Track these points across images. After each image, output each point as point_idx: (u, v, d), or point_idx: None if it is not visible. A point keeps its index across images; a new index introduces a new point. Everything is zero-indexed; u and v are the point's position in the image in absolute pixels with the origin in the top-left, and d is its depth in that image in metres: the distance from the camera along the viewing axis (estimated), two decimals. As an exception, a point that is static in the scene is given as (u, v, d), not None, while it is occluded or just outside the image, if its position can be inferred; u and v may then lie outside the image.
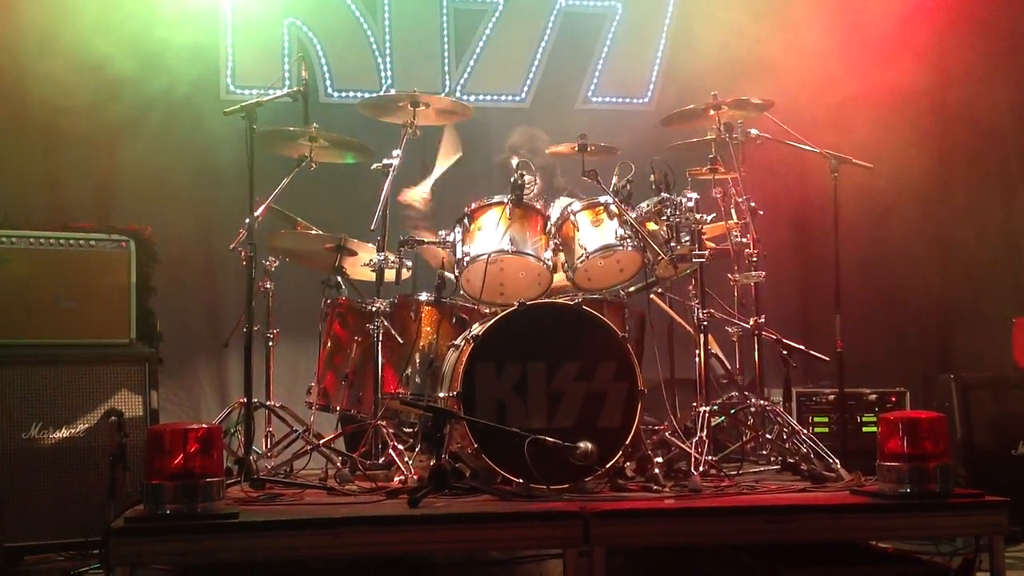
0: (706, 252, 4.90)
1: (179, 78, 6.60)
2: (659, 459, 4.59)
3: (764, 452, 5.14)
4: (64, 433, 4.99)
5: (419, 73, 7.04)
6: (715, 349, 5.28)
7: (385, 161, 5.09)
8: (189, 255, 6.63)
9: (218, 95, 6.86)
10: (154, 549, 3.62)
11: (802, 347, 5.34)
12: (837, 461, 4.71)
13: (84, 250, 5.27)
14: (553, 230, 5.06)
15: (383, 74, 7.15)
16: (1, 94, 6.19)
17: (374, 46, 7.15)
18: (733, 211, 5.21)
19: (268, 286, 5.35)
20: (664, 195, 5.02)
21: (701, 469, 4.48)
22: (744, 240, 5.15)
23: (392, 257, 5.04)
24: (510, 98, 7.34)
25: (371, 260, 5.04)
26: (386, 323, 4.98)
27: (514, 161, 5.56)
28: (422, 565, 4.54)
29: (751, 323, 5.19)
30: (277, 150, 5.42)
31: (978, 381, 5.80)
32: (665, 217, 4.99)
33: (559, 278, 5.09)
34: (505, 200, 5.03)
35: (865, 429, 6.02)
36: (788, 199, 6.39)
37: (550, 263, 5.02)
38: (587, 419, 4.42)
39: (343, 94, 7.09)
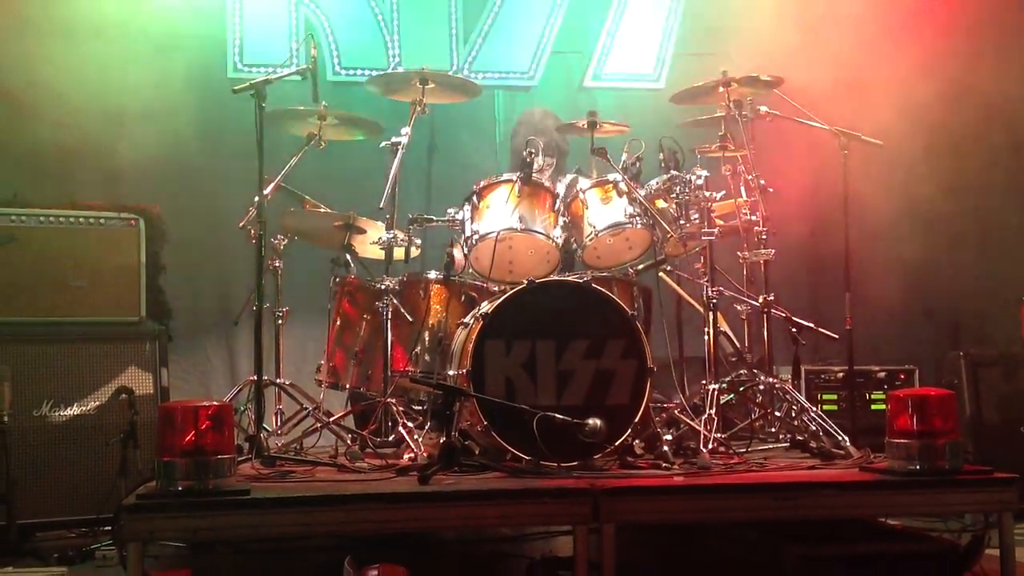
0: (715, 230, 4.90)
1: (187, 55, 6.59)
2: (668, 437, 4.60)
3: (773, 430, 5.14)
4: (75, 411, 5.03)
5: (427, 51, 7.00)
6: (724, 327, 5.28)
7: (394, 139, 5.08)
8: (198, 233, 6.62)
9: (226, 73, 6.85)
10: (166, 525, 3.64)
11: (811, 325, 5.33)
12: (846, 438, 4.72)
13: (94, 228, 5.30)
14: (562, 208, 5.06)
15: (391, 52, 7.12)
16: (11, 74, 6.18)
17: (382, 24, 7.12)
18: (742, 189, 5.20)
19: (277, 264, 5.35)
20: (673, 173, 5.02)
21: (710, 446, 4.49)
22: (753, 218, 5.15)
23: (401, 235, 5.05)
24: (519, 76, 7.30)
25: (380, 238, 5.04)
26: (395, 301, 4.98)
27: (540, 142, 5.54)
28: (432, 542, 4.57)
29: (760, 301, 5.19)
30: (286, 128, 5.42)
31: (987, 358, 5.79)
32: (674, 195, 4.99)
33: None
34: (514, 178, 5.03)
35: (874, 406, 6.02)
36: (798, 177, 6.37)
37: (559, 241, 5.02)
38: (596, 397, 4.42)
39: (351, 72, 7.07)
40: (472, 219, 5.05)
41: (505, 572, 4.53)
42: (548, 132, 5.75)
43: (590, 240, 4.99)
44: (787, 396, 5.07)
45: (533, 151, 5.06)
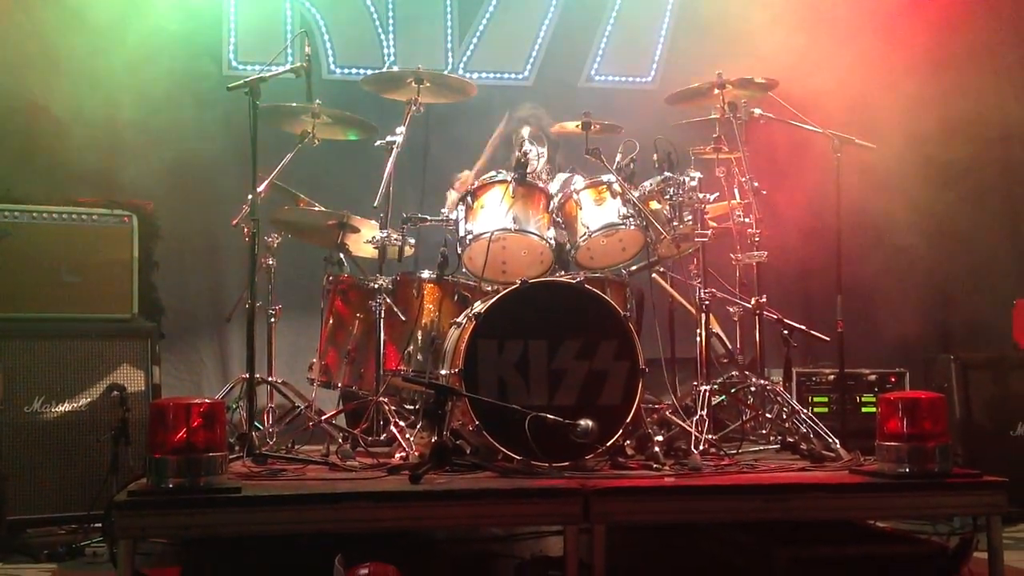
0: (708, 231, 4.91)
1: (182, 53, 6.58)
2: (659, 437, 4.60)
3: (764, 431, 5.15)
4: (66, 407, 5.02)
5: (422, 50, 7.02)
6: (716, 328, 5.29)
7: (388, 138, 5.08)
8: (191, 230, 6.63)
9: (221, 70, 6.85)
10: (157, 522, 3.65)
11: (803, 327, 5.34)
12: (836, 441, 4.74)
13: (87, 225, 5.29)
14: (556, 208, 5.06)
15: (386, 51, 7.13)
16: (5, 71, 6.17)
17: (377, 22, 7.14)
18: (736, 191, 5.20)
19: (270, 262, 5.34)
20: (667, 174, 5.03)
21: (701, 448, 4.50)
22: (747, 220, 5.15)
23: (395, 234, 5.05)
24: (513, 76, 7.32)
25: (374, 237, 5.04)
26: (388, 300, 4.98)
27: (525, 131, 5.55)
28: (423, 541, 4.57)
29: (752, 303, 5.19)
30: (280, 126, 5.41)
31: (977, 362, 5.81)
32: (668, 196, 5.00)
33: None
34: (508, 178, 5.03)
35: (864, 409, 6.03)
36: (791, 179, 6.38)
37: (552, 241, 5.03)
38: (588, 397, 4.43)
39: (346, 70, 7.08)
40: (466, 219, 5.06)
41: (495, 572, 4.54)
42: (535, 120, 5.75)
43: (583, 241, 5.00)
44: (778, 398, 5.08)
45: (528, 151, 5.07)
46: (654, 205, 5.03)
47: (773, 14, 6.80)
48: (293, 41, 6.76)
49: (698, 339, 4.89)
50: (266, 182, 5.02)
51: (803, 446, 4.78)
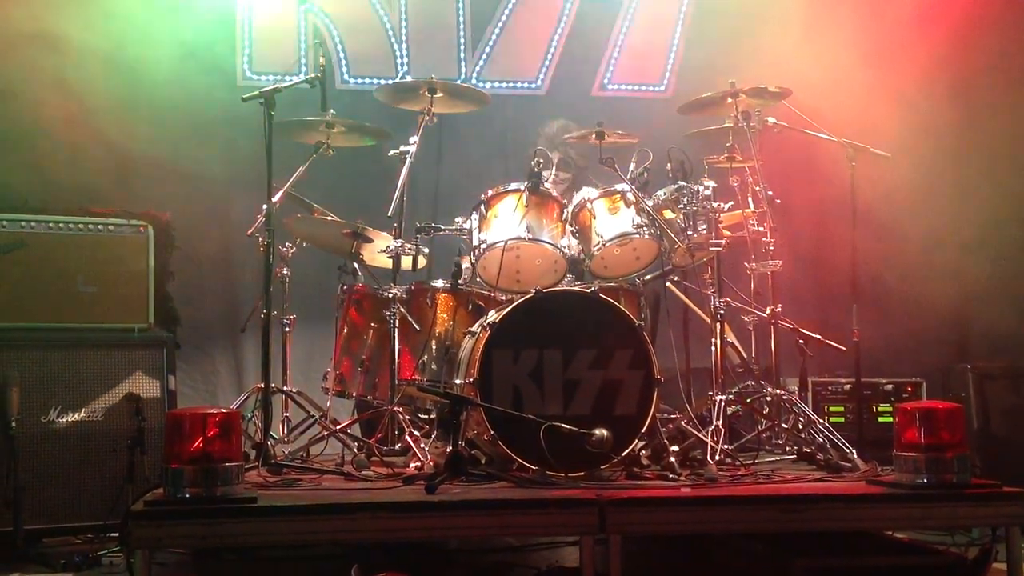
0: (723, 240, 4.91)
1: (197, 64, 6.60)
2: (675, 448, 4.59)
3: (780, 441, 5.14)
4: (82, 417, 5.03)
5: (435, 59, 7.03)
6: (731, 338, 5.28)
7: (402, 148, 5.09)
8: (207, 241, 6.65)
9: (235, 81, 6.87)
10: (173, 532, 3.64)
11: (818, 336, 5.34)
12: (853, 451, 4.71)
13: (103, 235, 5.31)
14: (570, 217, 5.06)
15: (399, 61, 7.14)
16: (23, 81, 6.20)
17: (390, 32, 7.14)
18: (750, 199, 5.19)
19: (285, 272, 5.36)
20: (681, 183, 5.03)
21: (717, 458, 4.48)
22: (761, 229, 5.14)
23: (409, 244, 5.05)
24: (526, 85, 7.33)
25: (388, 247, 5.05)
26: (402, 309, 4.98)
27: (555, 157, 5.57)
28: (438, 551, 4.56)
29: (767, 312, 5.18)
30: (294, 136, 5.43)
31: (995, 371, 5.80)
32: (682, 205, 5.00)
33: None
34: (522, 187, 5.03)
35: (881, 419, 6.01)
36: (805, 188, 6.36)
37: (566, 250, 5.03)
38: (603, 407, 4.42)
39: (359, 80, 7.09)
40: (480, 228, 5.06)
41: (511, 582, 4.53)
42: (565, 146, 5.75)
43: (597, 250, 4.99)
44: (794, 408, 5.06)
45: (541, 160, 5.08)
46: (668, 214, 5.03)
47: (787, 23, 6.80)
48: (308, 52, 6.80)
49: (713, 348, 4.88)
50: (281, 192, 5.04)
51: (820, 456, 4.77)
